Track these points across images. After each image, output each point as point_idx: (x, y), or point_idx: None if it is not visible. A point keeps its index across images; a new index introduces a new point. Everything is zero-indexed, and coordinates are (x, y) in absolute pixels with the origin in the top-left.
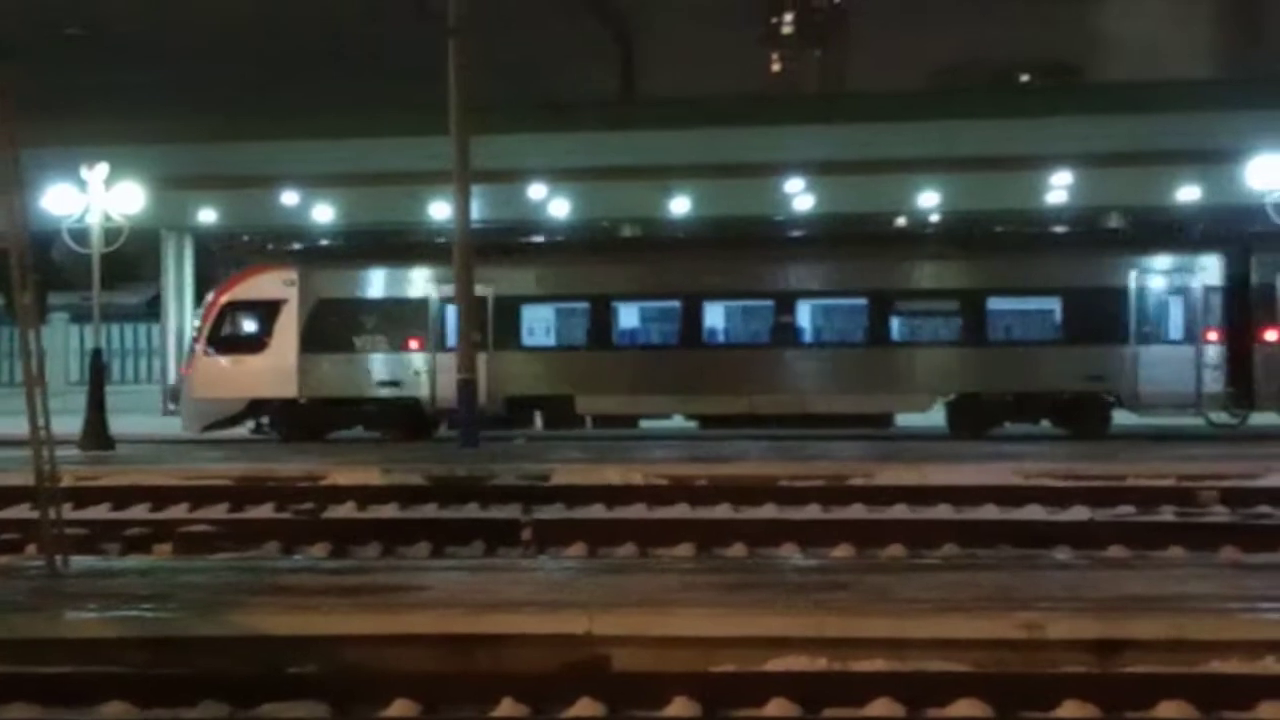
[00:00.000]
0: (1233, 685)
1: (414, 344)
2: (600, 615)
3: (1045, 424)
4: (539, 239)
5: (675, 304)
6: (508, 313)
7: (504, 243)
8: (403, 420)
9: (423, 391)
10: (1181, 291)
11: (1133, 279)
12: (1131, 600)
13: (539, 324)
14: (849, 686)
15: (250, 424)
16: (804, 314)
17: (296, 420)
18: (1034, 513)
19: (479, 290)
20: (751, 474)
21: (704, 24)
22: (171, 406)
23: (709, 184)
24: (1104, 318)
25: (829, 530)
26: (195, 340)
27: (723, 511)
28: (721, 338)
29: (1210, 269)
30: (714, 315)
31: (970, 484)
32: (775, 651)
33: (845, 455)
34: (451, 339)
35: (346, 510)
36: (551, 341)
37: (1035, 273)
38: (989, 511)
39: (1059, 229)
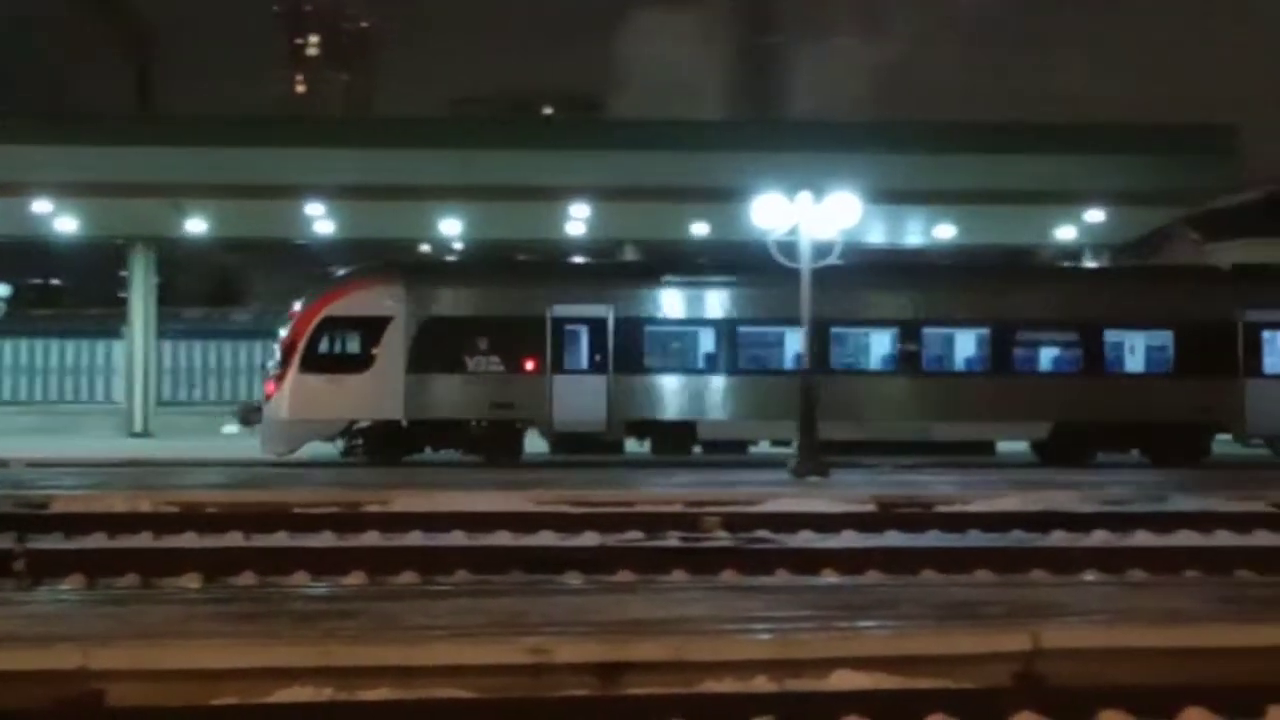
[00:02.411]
0: (726, 704)
1: (529, 364)
2: (96, 649)
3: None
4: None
5: (797, 331)
6: (630, 335)
7: (626, 263)
8: (514, 442)
9: (539, 413)
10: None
11: (1241, 316)
12: (635, 623)
13: (662, 347)
14: (351, 716)
15: (341, 444)
16: (924, 342)
17: (394, 442)
18: (546, 539)
19: (598, 311)
20: (266, 500)
21: (230, 40)
22: (232, 429)
23: (231, 204)
24: (1214, 352)
25: (341, 557)
26: (286, 357)
27: (233, 539)
28: (842, 364)
29: None
30: (835, 342)
31: (484, 510)
32: (281, 682)
33: (365, 483)
34: (569, 360)
35: None
36: (674, 365)
37: (1150, 308)
38: (502, 538)
39: (1174, 266)
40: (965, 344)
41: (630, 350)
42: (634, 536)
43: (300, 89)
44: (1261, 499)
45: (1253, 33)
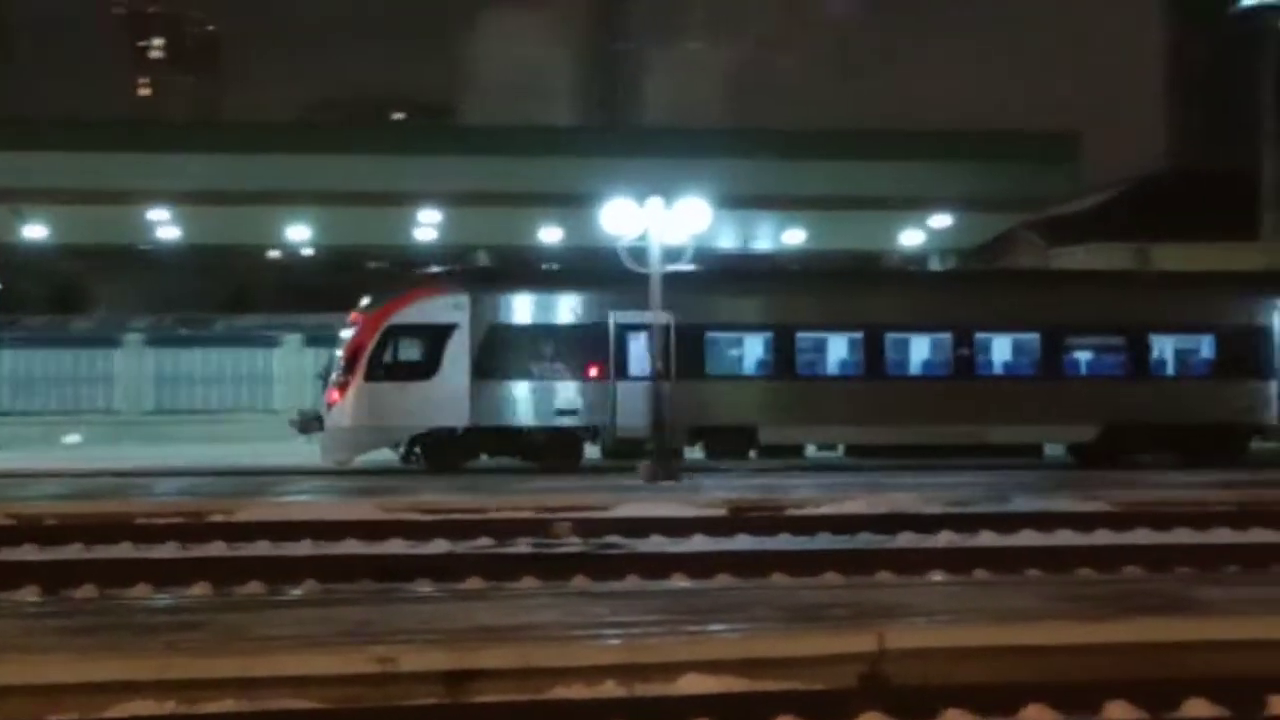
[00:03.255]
0: (575, 710)
1: (594, 371)
2: None
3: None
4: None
5: (858, 336)
6: (691, 341)
7: (684, 270)
8: (577, 449)
9: (603, 419)
10: None
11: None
12: (484, 631)
13: (724, 353)
14: None
15: (400, 451)
16: (979, 347)
17: (456, 448)
18: (395, 547)
19: (661, 318)
20: (109, 511)
21: (70, 42)
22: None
23: (72, 209)
24: (1253, 355)
25: (186, 568)
26: (350, 365)
27: (74, 552)
28: (900, 370)
29: None
30: (893, 348)
31: (332, 519)
32: (123, 696)
33: (206, 491)
34: (633, 366)
35: None
36: (737, 370)
37: (1193, 312)
38: (351, 546)
39: (1212, 272)
40: (1017, 349)
41: (691, 356)
42: (484, 543)
43: (144, 92)
44: (1102, 499)
45: (1095, 43)
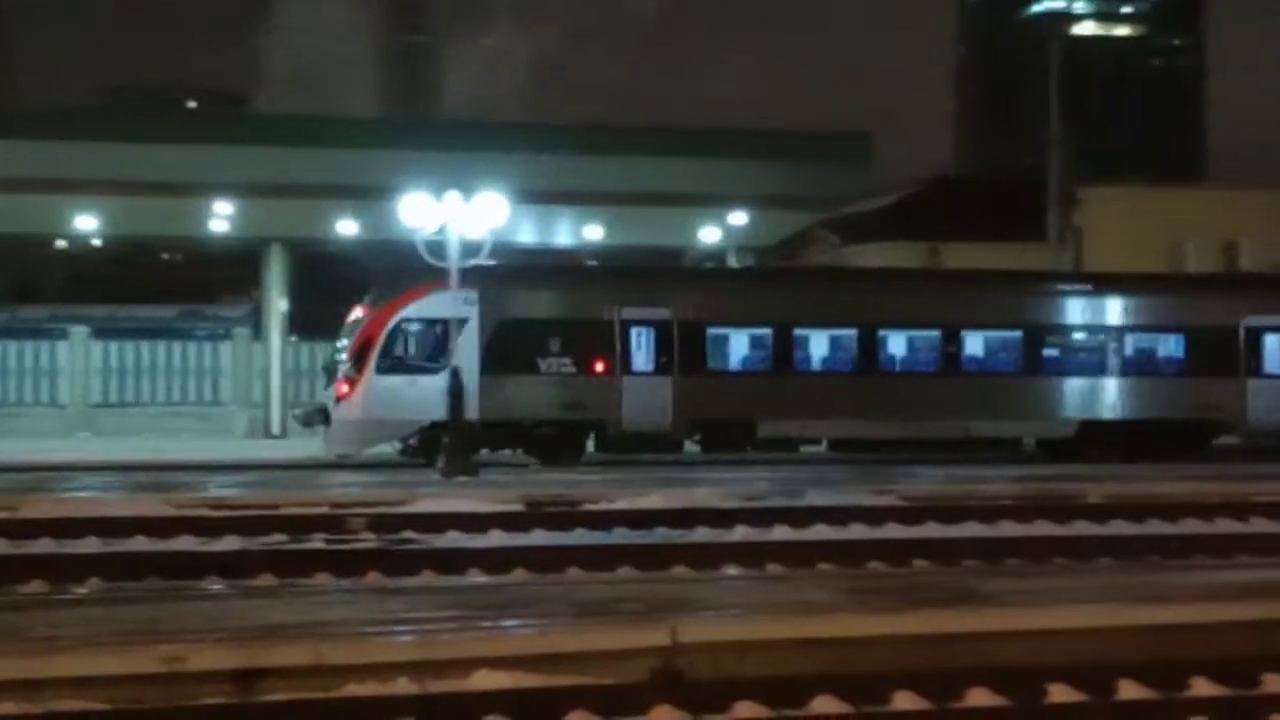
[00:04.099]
0: (366, 707)
1: (599, 366)
2: None
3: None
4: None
5: (852, 333)
6: (692, 337)
7: (686, 267)
8: (581, 442)
9: (609, 413)
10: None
11: (1242, 321)
12: (275, 628)
13: (723, 349)
14: None
15: (399, 445)
16: (967, 344)
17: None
18: (185, 544)
19: (659, 313)
20: None
21: None
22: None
23: None
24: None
25: None
26: (360, 358)
27: None
28: (888, 365)
29: None
30: (886, 345)
31: (119, 515)
32: None
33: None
34: (637, 362)
35: None
36: (736, 366)
37: (1164, 313)
38: (138, 543)
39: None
40: (1000, 347)
41: (692, 352)
42: (277, 540)
43: None
44: (894, 493)
45: (890, 46)
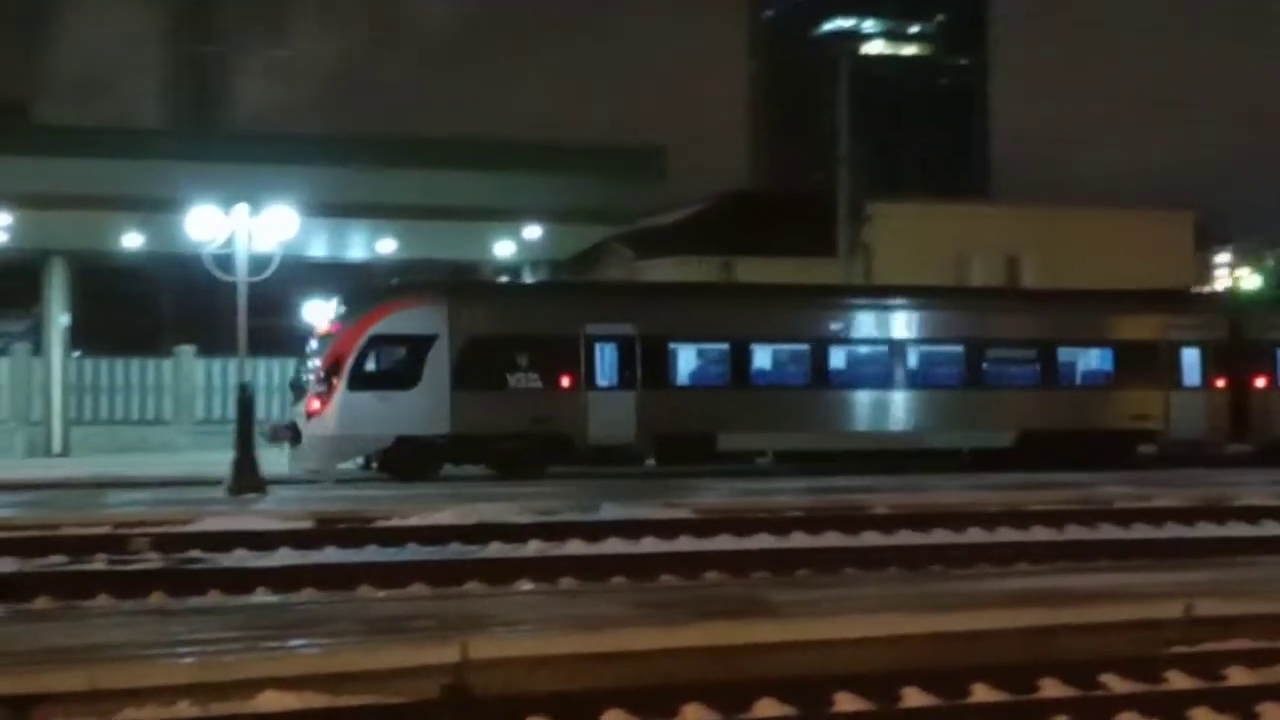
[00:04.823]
0: None
1: (566, 381)
2: None
3: None
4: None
5: (805, 349)
6: (654, 353)
7: (650, 283)
8: (549, 456)
9: (575, 428)
10: (1198, 346)
11: (1166, 335)
12: (52, 652)
13: (684, 364)
14: None
15: (359, 461)
16: (912, 359)
17: (437, 457)
18: None
19: (623, 329)
20: None
21: None
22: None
23: None
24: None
25: None
26: (331, 374)
27: None
28: (841, 380)
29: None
30: (836, 359)
31: None
32: None
33: None
34: (602, 377)
35: None
36: (696, 381)
37: (1097, 328)
38: None
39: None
40: (947, 361)
41: (655, 367)
42: (56, 561)
43: None
44: (687, 506)
45: (685, 60)
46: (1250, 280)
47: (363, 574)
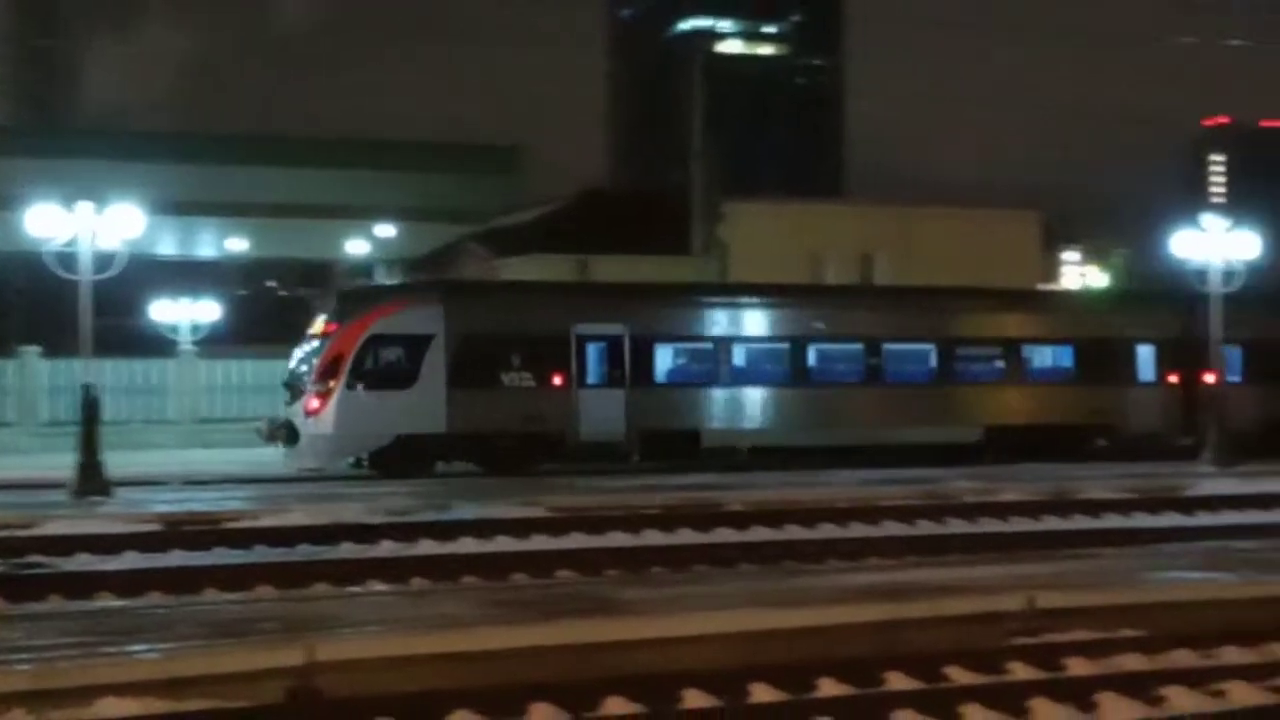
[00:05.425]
0: None
1: (558, 379)
2: None
3: None
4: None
5: (784, 348)
6: (642, 351)
7: (638, 283)
8: (543, 455)
9: (567, 425)
10: (1157, 343)
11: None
12: None
13: (670, 363)
14: None
15: (350, 459)
16: (883, 358)
17: (433, 454)
18: None
19: (612, 329)
20: None
21: None
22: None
23: None
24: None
25: None
26: (329, 373)
27: None
28: (814, 378)
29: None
30: (810, 359)
31: None
32: None
33: None
34: (592, 375)
35: None
36: (682, 379)
37: (1057, 327)
38: None
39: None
40: (916, 359)
41: (643, 366)
42: None
43: None
44: (541, 504)
45: (544, 59)
46: (1097, 278)
47: (209, 576)
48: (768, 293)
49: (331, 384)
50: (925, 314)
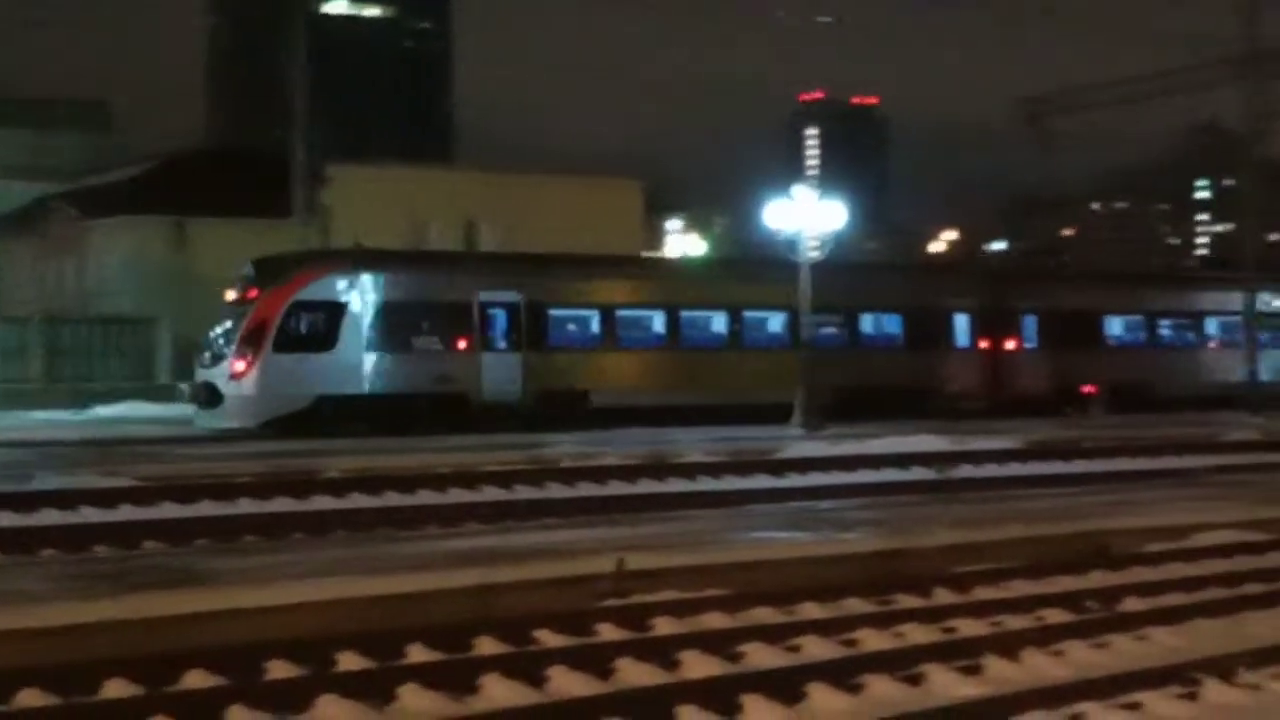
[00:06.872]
0: None
1: (463, 343)
2: None
3: None
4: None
5: (659, 314)
6: (537, 317)
7: (536, 254)
8: (450, 414)
9: (471, 386)
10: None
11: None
12: None
13: (562, 328)
14: None
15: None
16: (749, 323)
17: (356, 415)
18: None
19: (510, 296)
20: None
21: None
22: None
23: None
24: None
25: None
26: (255, 338)
27: None
28: (686, 343)
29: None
30: (684, 324)
31: None
32: None
33: None
34: (494, 340)
35: None
36: (572, 343)
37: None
38: None
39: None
40: (772, 325)
41: (537, 331)
42: None
43: None
44: (129, 474)
45: (142, 11)
46: (698, 245)
47: None
48: (644, 265)
49: (258, 348)
50: (776, 286)
